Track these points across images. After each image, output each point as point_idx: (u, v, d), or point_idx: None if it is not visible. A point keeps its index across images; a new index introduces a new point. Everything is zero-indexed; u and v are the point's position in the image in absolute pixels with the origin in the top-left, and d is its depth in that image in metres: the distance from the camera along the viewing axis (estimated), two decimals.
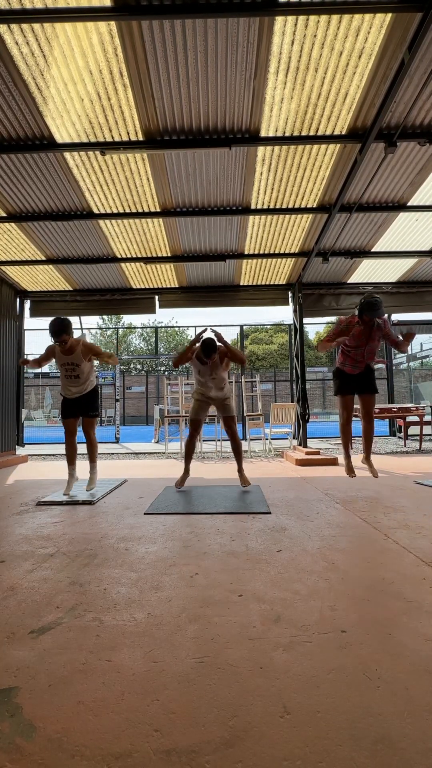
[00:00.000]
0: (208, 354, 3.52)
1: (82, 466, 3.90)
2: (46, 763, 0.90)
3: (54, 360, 3.60)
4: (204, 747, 0.93)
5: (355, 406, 3.84)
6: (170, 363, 4.71)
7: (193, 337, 3.75)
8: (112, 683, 1.15)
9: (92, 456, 3.81)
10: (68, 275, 6.29)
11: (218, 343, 3.63)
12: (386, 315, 3.47)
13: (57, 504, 3.37)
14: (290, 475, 4.67)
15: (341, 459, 5.55)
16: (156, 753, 0.92)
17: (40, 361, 3.57)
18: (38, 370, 26.59)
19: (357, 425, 4.08)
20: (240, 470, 3.86)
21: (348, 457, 3.84)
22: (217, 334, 3.69)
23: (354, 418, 4.00)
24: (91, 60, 2.76)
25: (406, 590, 1.67)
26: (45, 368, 29.62)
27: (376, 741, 0.93)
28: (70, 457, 3.72)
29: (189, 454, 3.93)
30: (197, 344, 3.67)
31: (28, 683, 1.16)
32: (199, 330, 3.70)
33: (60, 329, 3.35)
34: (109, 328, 24.72)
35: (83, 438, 3.83)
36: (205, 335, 3.67)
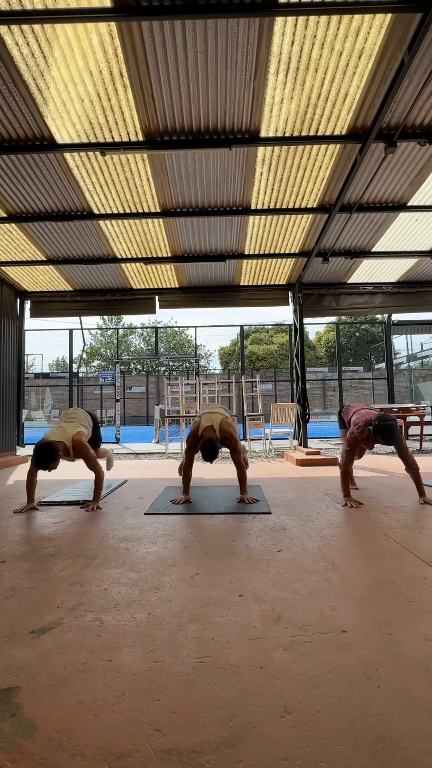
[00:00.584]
0: (209, 458, 3.21)
1: (85, 472, 3.88)
2: (47, 763, 0.90)
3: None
4: (204, 747, 0.93)
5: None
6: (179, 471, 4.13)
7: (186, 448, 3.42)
8: (113, 683, 1.15)
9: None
10: (68, 275, 6.29)
11: (225, 435, 3.31)
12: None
13: (58, 504, 3.37)
14: (290, 475, 4.67)
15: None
16: (156, 753, 0.92)
17: (33, 485, 3.24)
18: (39, 371, 26.62)
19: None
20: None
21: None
22: (226, 434, 3.34)
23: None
24: (91, 61, 2.76)
25: (406, 590, 1.67)
26: (46, 369, 29.69)
27: (376, 741, 0.93)
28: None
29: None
30: (197, 446, 3.33)
31: (29, 683, 1.16)
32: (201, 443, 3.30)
33: (47, 460, 2.96)
34: (110, 329, 24.73)
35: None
36: (205, 419, 3.38)
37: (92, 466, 3.25)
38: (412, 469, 3.14)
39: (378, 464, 4.91)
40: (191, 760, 0.90)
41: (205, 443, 3.21)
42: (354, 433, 3.21)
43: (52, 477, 4.75)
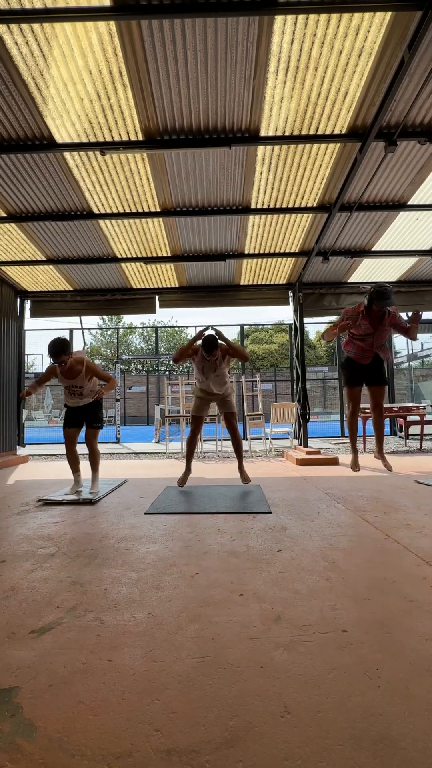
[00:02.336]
0: (209, 350, 3.54)
1: (85, 469, 3.90)
2: (47, 763, 0.90)
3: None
4: (204, 746, 0.93)
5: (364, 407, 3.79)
6: (171, 361, 4.70)
7: (194, 335, 3.76)
8: (113, 683, 1.15)
9: (94, 466, 3.80)
10: (68, 275, 6.29)
11: (220, 341, 3.65)
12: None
13: (58, 504, 3.37)
14: (291, 474, 4.67)
15: (342, 459, 5.55)
16: (156, 752, 0.91)
17: (40, 383, 3.57)
18: (39, 371, 26.63)
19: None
20: (240, 467, 3.88)
21: (355, 450, 3.76)
22: (218, 332, 3.70)
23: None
24: (90, 60, 2.76)
25: (406, 590, 1.67)
26: (45, 368, 29.67)
27: (376, 740, 0.93)
28: (74, 465, 3.72)
29: (191, 451, 3.92)
30: (198, 341, 3.70)
31: (29, 683, 1.16)
32: (199, 329, 3.70)
33: (59, 350, 3.28)
34: (110, 328, 24.74)
35: (83, 444, 3.83)
36: (207, 333, 3.70)
37: (103, 376, 3.57)
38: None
39: (378, 463, 4.90)
40: (191, 759, 0.89)
41: (207, 337, 3.56)
42: (347, 312, 3.31)
43: (53, 477, 4.75)
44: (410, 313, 3.41)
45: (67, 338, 3.42)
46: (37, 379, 3.56)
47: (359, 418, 6.59)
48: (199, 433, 3.93)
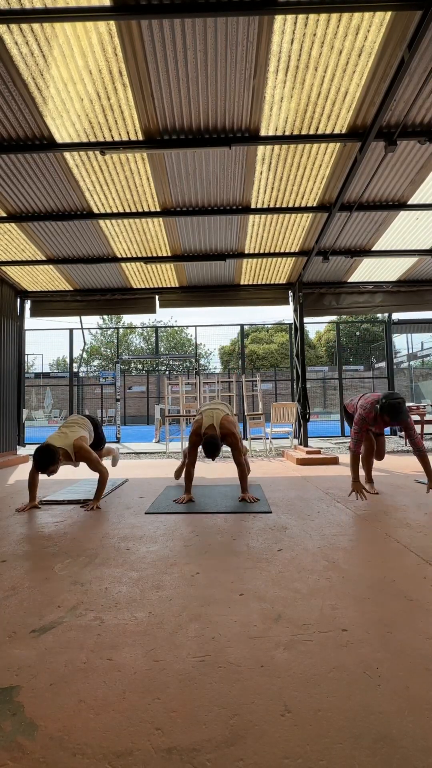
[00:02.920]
0: (211, 455, 3.26)
1: (87, 472, 3.88)
2: (48, 762, 0.90)
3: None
4: (205, 745, 0.93)
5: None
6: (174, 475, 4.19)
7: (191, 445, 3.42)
8: (113, 682, 1.15)
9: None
10: (68, 275, 6.29)
11: (225, 432, 3.34)
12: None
13: (58, 503, 3.37)
14: (291, 474, 4.67)
15: (342, 458, 5.55)
16: (157, 751, 0.92)
17: (32, 490, 3.26)
18: (39, 371, 26.63)
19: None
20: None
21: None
22: (227, 432, 3.36)
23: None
24: (90, 60, 2.76)
25: (406, 589, 1.67)
26: (46, 368, 29.70)
27: (376, 739, 0.93)
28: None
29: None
30: (197, 446, 3.40)
31: (30, 682, 1.16)
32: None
33: (46, 463, 3.00)
34: (110, 328, 24.75)
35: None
36: (207, 416, 3.40)
37: (95, 468, 3.26)
38: (419, 449, 3.03)
39: (379, 463, 4.90)
40: (192, 758, 0.90)
41: (207, 440, 3.27)
42: (362, 414, 3.19)
43: (53, 476, 4.75)
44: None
45: (53, 448, 3.08)
46: (29, 486, 3.25)
47: None
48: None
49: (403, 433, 7.64)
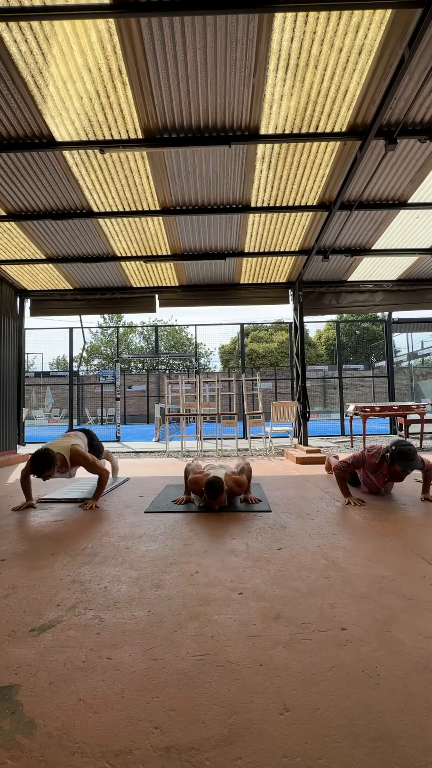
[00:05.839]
0: (213, 496, 2.88)
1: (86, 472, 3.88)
2: (47, 760, 0.90)
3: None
4: (204, 744, 0.93)
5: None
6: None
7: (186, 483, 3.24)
8: (113, 681, 1.15)
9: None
10: (68, 274, 6.28)
11: (232, 486, 3.06)
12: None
13: (58, 502, 3.37)
14: (291, 473, 4.67)
15: (342, 457, 5.55)
16: (156, 750, 0.92)
17: (25, 489, 3.24)
18: (39, 370, 26.64)
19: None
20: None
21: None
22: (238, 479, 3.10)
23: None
24: (89, 58, 2.75)
25: (405, 588, 1.67)
26: (46, 367, 29.69)
27: (375, 738, 0.93)
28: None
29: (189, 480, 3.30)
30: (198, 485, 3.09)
31: (29, 681, 1.16)
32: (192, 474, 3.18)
33: (43, 467, 2.99)
34: (110, 327, 24.75)
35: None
36: (213, 472, 3.08)
37: (94, 470, 3.26)
38: (424, 469, 3.05)
39: None
40: (190, 757, 0.90)
41: (209, 482, 2.88)
42: (364, 454, 3.02)
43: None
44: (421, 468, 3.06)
45: (51, 452, 3.06)
46: (23, 487, 3.22)
47: (360, 417, 6.60)
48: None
49: (401, 429, 7.65)
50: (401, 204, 4.62)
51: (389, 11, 2.49)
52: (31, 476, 3.19)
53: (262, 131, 3.47)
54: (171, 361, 25.61)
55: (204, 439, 7.61)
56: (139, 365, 27.40)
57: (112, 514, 2.95)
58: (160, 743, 0.94)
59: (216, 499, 2.87)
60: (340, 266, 6.28)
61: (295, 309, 6.84)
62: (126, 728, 0.98)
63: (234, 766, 0.87)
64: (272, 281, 6.74)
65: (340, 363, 10.39)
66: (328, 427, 12.23)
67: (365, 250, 5.79)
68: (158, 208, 4.62)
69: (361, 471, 3.29)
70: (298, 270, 6.29)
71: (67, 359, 14.70)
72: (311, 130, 3.47)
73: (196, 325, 10.84)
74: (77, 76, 2.88)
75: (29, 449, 7.35)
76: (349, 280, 6.79)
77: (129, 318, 33.78)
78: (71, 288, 6.81)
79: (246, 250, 5.71)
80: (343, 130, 3.47)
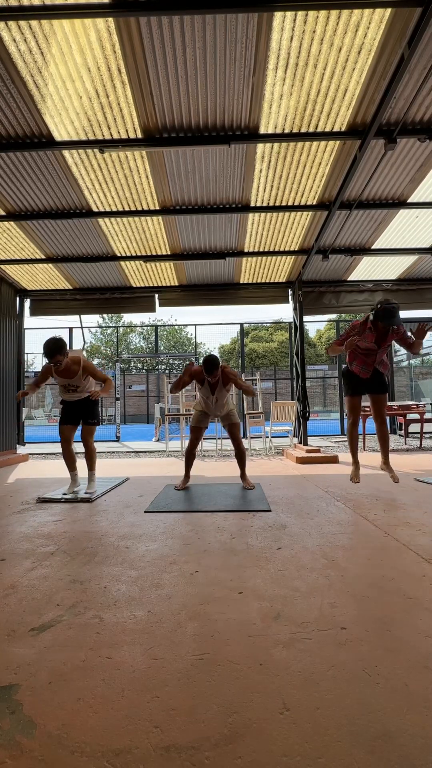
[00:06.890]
0: (210, 370, 3.42)
1: (82, 467, 3.89)
2: (46, 760, 0.90)
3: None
4: (204, 743, 0.93)
5: (364, 405, 3.71)
6: (169, 391, 4.55)
7: (186, 368, 3.67)
8: (112, 680, 1.15)
9: (91, 464, 3.73)
10: (68, 274, 6.28)
11: (227, 371, 3.58)
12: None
13: (57, 502, 3.37)
14: (290, 473, 4.67)
15: (342, 457, 5.55)
16: (156, 749, 0.92)
17: (37, 384, 3.51)
18: (39, 369, 26.61)
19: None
20: (243, 475, 3.83)
21: (356, 462, 3.62)
22: (224, 367, 3.63)
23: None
24: (89, 57, 2.75)
25: (405, 587, 1.67)
26: None
27: (375, 737, 0.93)
28: (70, 463, 3.70)
29: (189, 461, 3.84)
30: (194, 366, 3.66)
31: (29, 680, 1.16)
32: (190, 361, 3.69)
33: (54, 350, 3.27)
34: (109, 327, 24.73)
35: (80, 443, 3.80)
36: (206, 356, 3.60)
37: (101, 377, 3.63)
38: (415, 352, 3.17)
39: (377, 461, 4.90)
40: (190, 756, 0.90)
41: (208, 357, 3.42)
42: (352, 323, 3.21)
43: (52, 475, 4.75)
44: (414, 328, 3.28)
45: (63, 338, 3.39)
46: (35, 380, 3.55)
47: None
48: (198, 443, 3.84)
49: (401, 429, 7.65)
50: (401, 203, 4.62)
51: (389, 10, 2.49)
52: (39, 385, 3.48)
53: (262, 131, 3.47)
54: (171, 361, 25.61)
55: (204, 438, 7.61)
56: (139, 365, 27.40)
57: (111, 514, 2.95)
58: (160, 742, 0.93)
59: (212, 374, 3.42)
60: (339, 266, 6.28)
61: (294, 308, 6.83)
62: (126, 727, 0.98)
63: (234, 766, 0.87)
64: (272, 281, 6.74)
65: (340, 363, 10.39)
66: (327, 427, 12.23)
67: (365, 250, 5.79)
68: (158, 208, 4.61)
69: (359, 344, 3.42)
70: (298, 269, 6.29)
71: None
72: (311, 130, 3.47)
73: (195, 325, 10.84)
74: (76, 75, 2.88)
75: (29, 449, 7.35)
76: (348, 279, 6.79)
77: (129, 318, 33.77)
78: (71, 288, 6.81)
79: (246, 250, 5.70)
80: (343, 129, 3.47)
